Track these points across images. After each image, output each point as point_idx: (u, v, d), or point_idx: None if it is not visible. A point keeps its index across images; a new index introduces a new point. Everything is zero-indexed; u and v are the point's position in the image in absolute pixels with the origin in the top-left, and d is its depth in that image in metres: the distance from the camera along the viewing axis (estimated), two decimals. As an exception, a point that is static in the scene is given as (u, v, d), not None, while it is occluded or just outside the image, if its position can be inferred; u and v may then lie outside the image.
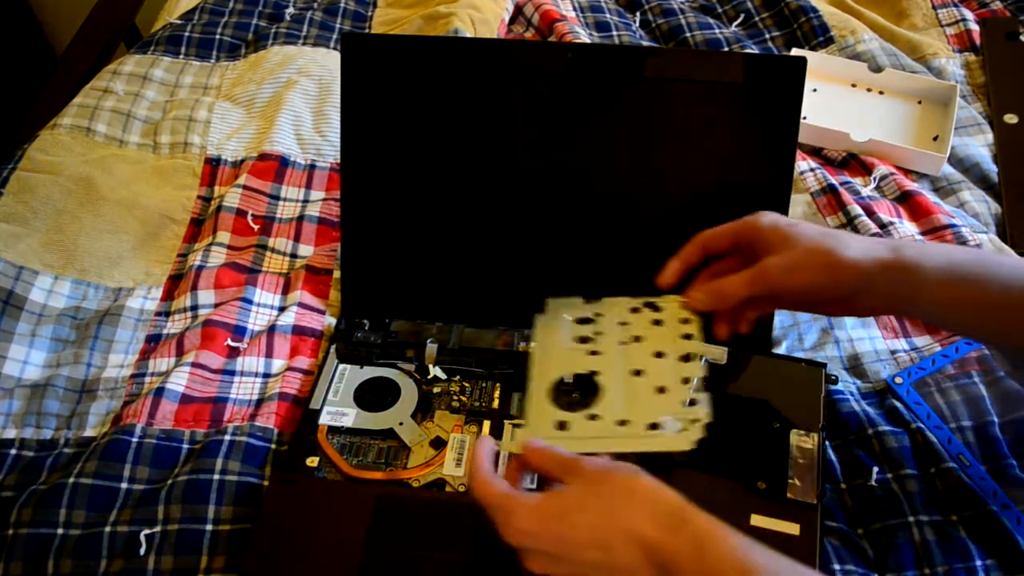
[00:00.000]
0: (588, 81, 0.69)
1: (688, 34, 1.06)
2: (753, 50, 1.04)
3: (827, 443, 0.65)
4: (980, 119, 0.94)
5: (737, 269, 0.58)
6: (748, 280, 0.56)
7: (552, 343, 0.62)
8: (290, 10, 1.13)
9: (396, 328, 0.74)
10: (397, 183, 0.72)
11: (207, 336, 0.73)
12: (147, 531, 0.59)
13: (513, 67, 0.69)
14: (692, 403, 0.55)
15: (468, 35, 1.02)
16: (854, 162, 0.91)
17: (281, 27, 1.08)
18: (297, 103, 0.96)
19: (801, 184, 0.88)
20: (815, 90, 0.98)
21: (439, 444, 0.66)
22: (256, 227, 0.84)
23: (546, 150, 0.71)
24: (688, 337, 0.59)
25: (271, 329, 0.74)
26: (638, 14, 1.12)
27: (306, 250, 0.82)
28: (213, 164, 0.91)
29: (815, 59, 0.98)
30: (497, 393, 0.68)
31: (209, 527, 0.60)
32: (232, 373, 0.71)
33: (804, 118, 0.90)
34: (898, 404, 0.68)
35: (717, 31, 1.06)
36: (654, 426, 0.55)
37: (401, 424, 0.67)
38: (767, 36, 1.08)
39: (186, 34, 1.07)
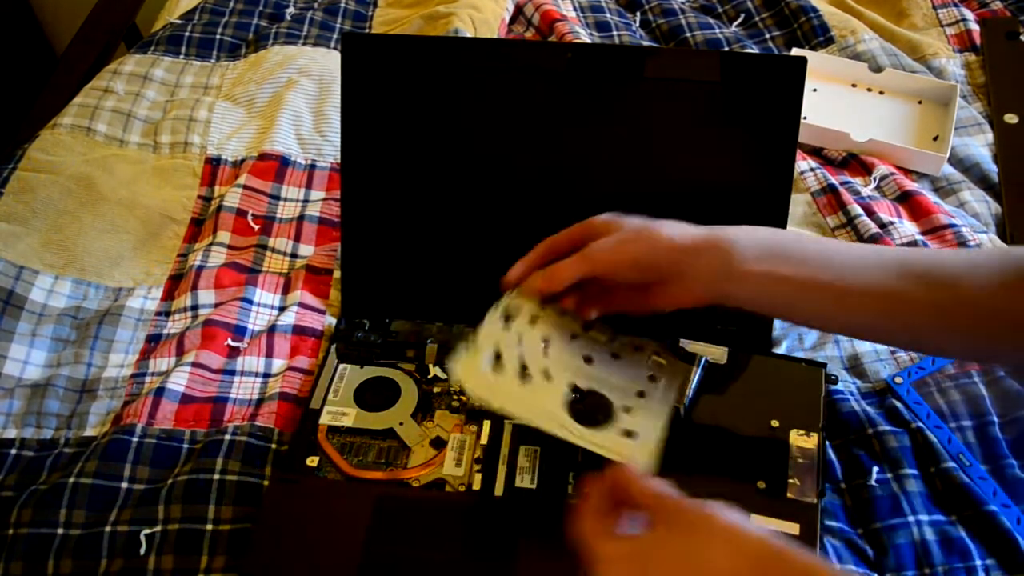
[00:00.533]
0: (588, 81, 0.69)
1: (688, 34, 1.06)
2: (753, 50, 1.04)
3: (827, 443, 0.65)
4: (980, 119, 0.94)
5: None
6: (576, 259, 0.58)
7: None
8: (290, 10, 1.13)
9: (396, 328, 0.74)
10: (397, 183, 0.72)
11: (207, 336, 0.73)
12: (147, 531, 0.59)
13: (513, 67, 0.69)
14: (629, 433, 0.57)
15: (468, 35, 1.02)
16: (854, 162, 0.91)
17: (281, 27, 1.08)
18: (297, 103, 0.96)
19: (801, 184, 0.88)
20: (815, 90, 0.98)
21: (439, 444, 0.66)
22: (256, 227, 0.84)
23: (546, 150, 0.71)
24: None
25: (271, 329, 0.74)
26: (638, 14, 1.12)
27: (306, 250, 0.82)
28: (213, 164, 0.91)
29: (815, 59, 0.98)
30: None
31: (209, 527, 0.60)
32: (232, 373, 0.71)
33: (804, 118, 0.90)
34: (898, 404, 0.68)
35: (717, 31, 1.06)
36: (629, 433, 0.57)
37: (401, 424, 0.67)
38: (767, 36, 1.08)
39: (186, 34, 1.07)
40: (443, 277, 0.74)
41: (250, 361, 0.72)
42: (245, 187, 0.86)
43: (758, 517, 0.58)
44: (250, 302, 0.76)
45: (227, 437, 0.65)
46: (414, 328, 0.73)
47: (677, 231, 0.57)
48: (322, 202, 0.86)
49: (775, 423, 0.63)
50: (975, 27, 1.05)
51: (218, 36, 1.07)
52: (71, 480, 0.62)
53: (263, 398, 0.70)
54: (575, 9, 1.13)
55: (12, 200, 0.85)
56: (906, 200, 0.85)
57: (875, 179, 0.87)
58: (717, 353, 0.68)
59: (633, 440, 0.56)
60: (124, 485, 0.63)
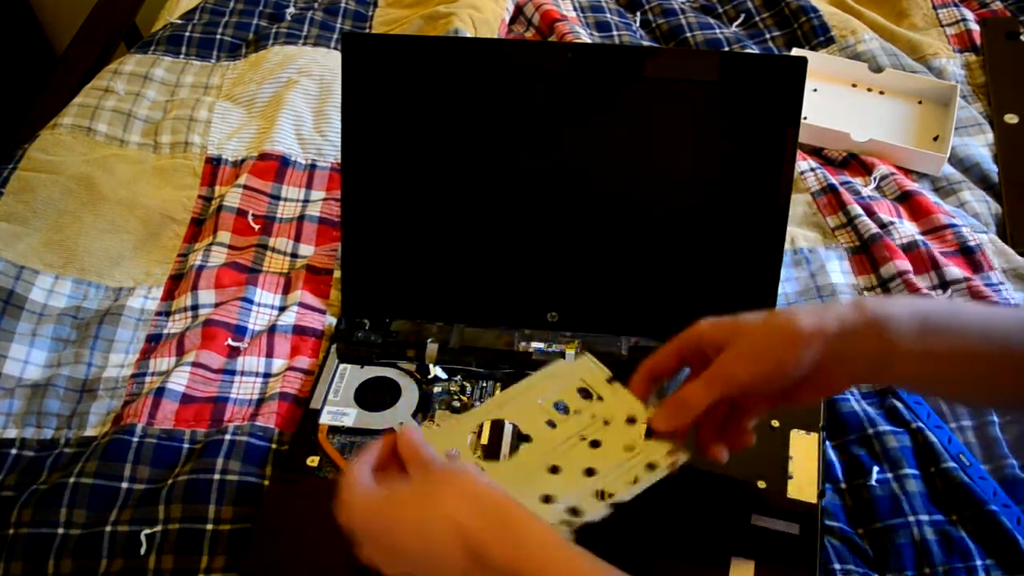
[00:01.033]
0: (588, 81, 0.69)
1: (688, 34, 1.06)
2: (753, 50, 1.04)
3: (827, 443, 0.65)
4: (980, 119, 0.94)
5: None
6: (707, 381, 0.51)
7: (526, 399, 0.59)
8: (291, 10, 1.13)
9: (396, 328, 0.74)
10: (397, 183, 0.72)
11: (207, 336, 0.73)
12: (147, 531, 0.59)
13: (513, 67, 0.69)
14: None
15: (468, 35, 1.02)
16: (854, 162, 0.91)
17: (282, 27, 1.08)
18: (298, 103, 0.96)
19: (801, 184, 0.88)
20: (815, 90, 0.98)
21: (439, 444, 0.65)
22: (257, 227, 0.84)
23: (546, 150, 0.71)
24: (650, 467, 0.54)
25: (271, 329, 0.74)
26: (638, 14, 1.12)
27: (307, 250, 0.82)
28: (214, 164, 0.91)
29: (815, 59, 0.98)
30: (497, 393, 0.68)
31: (209, 527, 0.60)
32: (232, 373, 0.71)
33: (804, 118, 0.90)
34: (898, 404, 0.68)
35: (717, 31, 1.06)
36: (590, 472, 0.53)
37: (401, 424, 0.67)
38: (767, 36, 1.08)
39: (186, 34, 1.07)
40: (443, 277, 0.74)
41: (250, 361, 0.72)
42: (245, 187, 0.86)
43: (758, 517, 0.58)
44: (250, 302, 0.76)
45: (227, 437, 0.65)
46: (414, 328, 0.73)
47: (816, 317, 0.49)
48: (322, 202, 0.86)
49: (775, 423, 0.63)
50: (975, 27, 1.05)
51: (218, 36, 1.07)
52: (71, 480, 0.62)
53: (263, 398, 0.70)
54: (575, 9, 1.13)
55: (12, 200, 0.85)
56: (906, 200, 0.85)
57: (875, 179, 0.87)
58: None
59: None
60: (124, 485, 0.63)
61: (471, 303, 0.74)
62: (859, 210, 0.83)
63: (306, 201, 0.87)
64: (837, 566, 0.58)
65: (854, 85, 0.98)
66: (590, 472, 0.53)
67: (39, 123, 0.95)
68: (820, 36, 1.04)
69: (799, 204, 0.86)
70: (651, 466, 0.53)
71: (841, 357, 0.49)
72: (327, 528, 0.59)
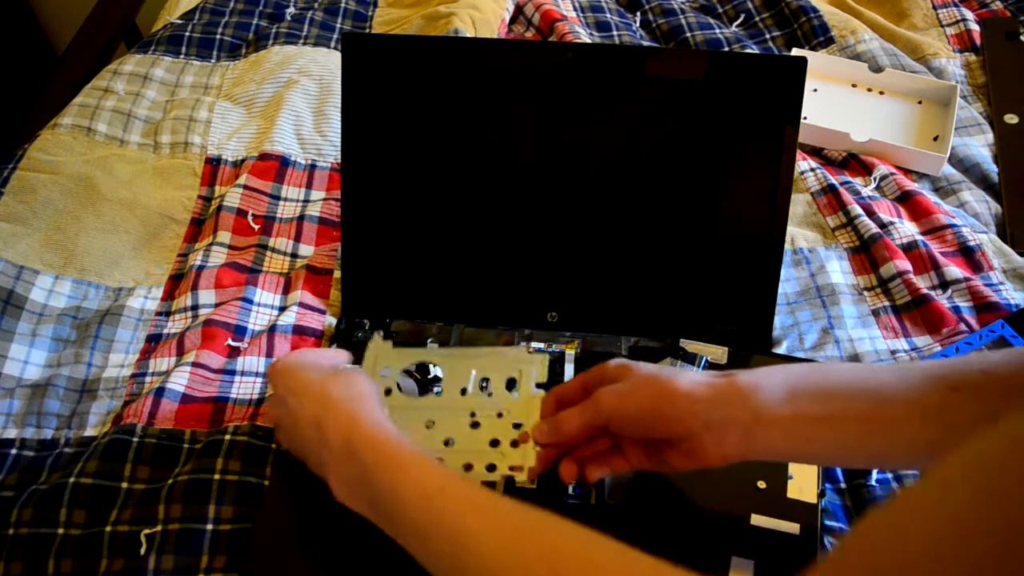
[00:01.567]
0: (588, 81, 0.69)
1: (688, 34, 1.06)
2: (753, 50, 1.04)
3: (827, 443, 0.65)
4: (980, 119, 0.94)
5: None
6: (581, 408, 0.54)
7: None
8: (291, 10, 1.13)
9: (396, 328, 0.74)
10: (397, 183, 0.72)
11: (208, 336, 0.73)
12: (147, 531, 0.59)
13: (513, 67, 0.69)
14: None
15: (468, 35, 1.02)
16: (854, 162, 0.91)
17: (282, 27, 1.08)
18: (298, 103, 0.96)
19: (801, 184, 0.88)
20: (815, 90, 0.98)
21: (439, 444, 0.66)
22: (257, 227, 0.84)
23: (546, 150, 0.71)
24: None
25: (272, 329, 0.74)
26: (638, 14, 1.12)
27: (307, 250, 0.82)
28: (214, 164, 0.91)
29: (815, 59, 0.98)
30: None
31: (209, 527, 0.60)
32: (233, 373, 0.71)
33: (804, 118, 0.90)
34: (898, 404, 0.68)
35: (717, 31, 1.06)
36: (448, 442, 0.60)
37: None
38: (767, 36, 1.08)
39: (186, 34, 1.07)
40: (443, 277, 0.74)
41: (250, 361, 0.72)
42: (245, 187, 0.86)
43: (758, 517, 0.58)
44: (250, 302, 0.76)
45: (227, 437, 0.65)
46: (414, 328, 0.73)
47: (690, 380, 0.52)
48: (322, 202, 0.86)
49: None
50: (975, 27, 1.05)
51: (218, 36, 1.07)
52: (71, 480, 0.62)
53: (263, 398, 0.69)
54: (575, 9, 1.13)
55: (12, 200, 0.85)
56: (906, 200, 0.85)
57: (875, 179, 0.87)
58: (717, 353, 0.68)
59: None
60: (124, 485, 0.63)
61: (471, 303, 0.74)
62: (859, 210, 0.83)
63: (306, 201, 0.87)
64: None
65: (854, 85, 0.98)
66: (448, 443, 0.60)
67: (39, 123, 0.95)
68: (820, 36, 1.04)
69: (799, 204, 0.86)
70: (491, 467, 0.58)
71: (709, 425, 0.50)
72: (327, 528, 0.59)
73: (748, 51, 1.03)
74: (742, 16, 1.10)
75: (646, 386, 0.52)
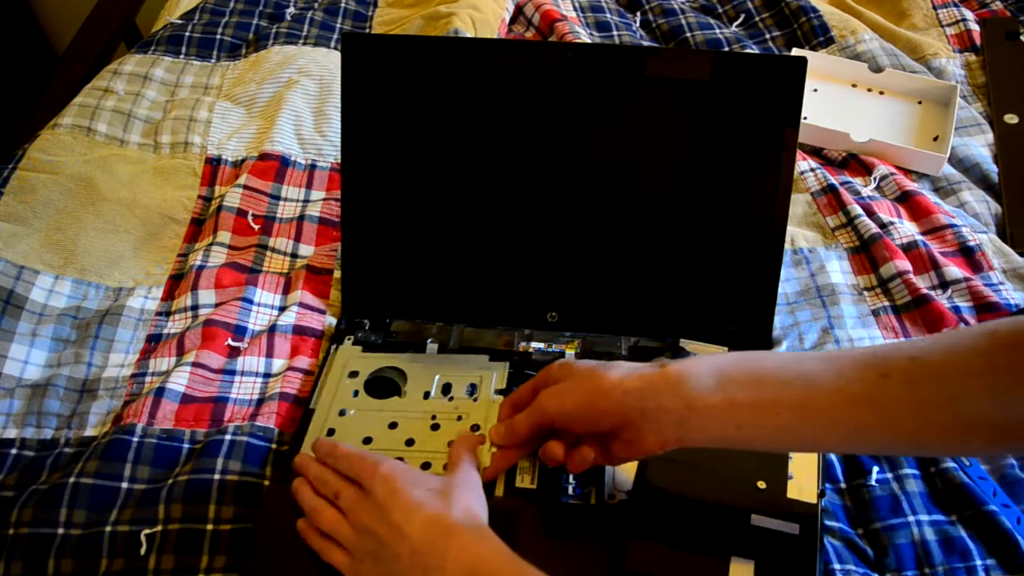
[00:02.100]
0: (588, 81, 0.69)
1: (688, 34, 1.06)
2: (753, 50, 1.04)
3: (827, 443, 0.65)
4: (980, 119, 0.94)
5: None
6: (528, 411, 0.57)
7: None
8: (291, 10, 1.13)
9: (396, 328, 0.74)
10: (397, 183, 0.72)
11: (208, 336, 0.73)
12: (147, 531, 0.59)
13: (513, 67, 0.69)
14: None
15: (468, 35, 1.02)
16: (854, 162, 0.91)
17: (282, 27, 1.08)
18: (298, 103, 0.96)
19: (801, 184, 0.88)
20: (815, 90, 0.98)
21: (439, 444, 0.66)
22: (257, 227, 0.84)
23: (546, 150, 0.71)
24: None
25: (272, 329, 0.74)
26: (638, 14, 1.12)
27: (307, 250, 0.82)
28: (214, 164, 0.91)
29: (815, 59, 0.98)
30: (507, 385, 0.68)
31: (209, 527, 0.60)
32: (233, 373, 0.71)
33: (804, 118, 0.90)
34: (898, 404, 0.68)
35: (717, 31, 1.06)
36: (410, 442, 0.64)
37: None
38: (767, 36, 1.08)
39: (187, 34, 1.07)
40: (443, 277, 0.74)
41: (250, 361, 0.72)
42: (245, 187, 0.86)
43: (758, 517, 0.58)
44: (250, 302, 0.76)
45: (227, 437, 0.65)
46: (414, 328, 0.73)
47: (622, 372, 0.53)
48: (322, 202, 0.86)
49: (775, 423, 0.63)
50: (975, 27, 1.05)
51: (218, 36, 1.07)
52: (71, 480, 0.62)
53: (263, 398, 0.69)
54: (575, 9, 1.13)
55: (12, 200, 0.85)
56: (906, 200, 0.85)
57: (875, 179, 0.87)
58: (717, 353, 0.68)
59: None
60: (124, 485, 0.63)
61: (471, 303, 0.74)
62: (859, 210, 0.83)
63: (306, 201, 0.87)
64: (837, 566, 0.58)
65: (854, 85, 0.98)
66: (410, 443, 0.64)
67: (39, 123, 0.95)
68: (820, 36, 1.04)
69: (799, 204, 0.86)
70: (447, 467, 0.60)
71: (643, 414, 0.52)
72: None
73: (748, 51, 1.03)
74: (742, 16, 1.10)
75: (582, 383, 0.54)
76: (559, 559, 0.56)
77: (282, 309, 0.77)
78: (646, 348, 0.71)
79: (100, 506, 0.61)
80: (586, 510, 0.61)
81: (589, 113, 0.69)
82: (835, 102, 0.97)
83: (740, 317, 0.71)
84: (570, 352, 0.70)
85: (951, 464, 0.63)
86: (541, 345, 0.71)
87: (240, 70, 1.03)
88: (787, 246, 0.81)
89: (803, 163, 0.89)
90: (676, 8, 1.10)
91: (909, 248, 0.79)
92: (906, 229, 0.81)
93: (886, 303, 0.77)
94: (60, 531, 0.60)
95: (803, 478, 0.60)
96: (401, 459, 0.59)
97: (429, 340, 0.72)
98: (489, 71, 0.69)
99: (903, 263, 0.78)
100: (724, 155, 0.69)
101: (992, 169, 0.89)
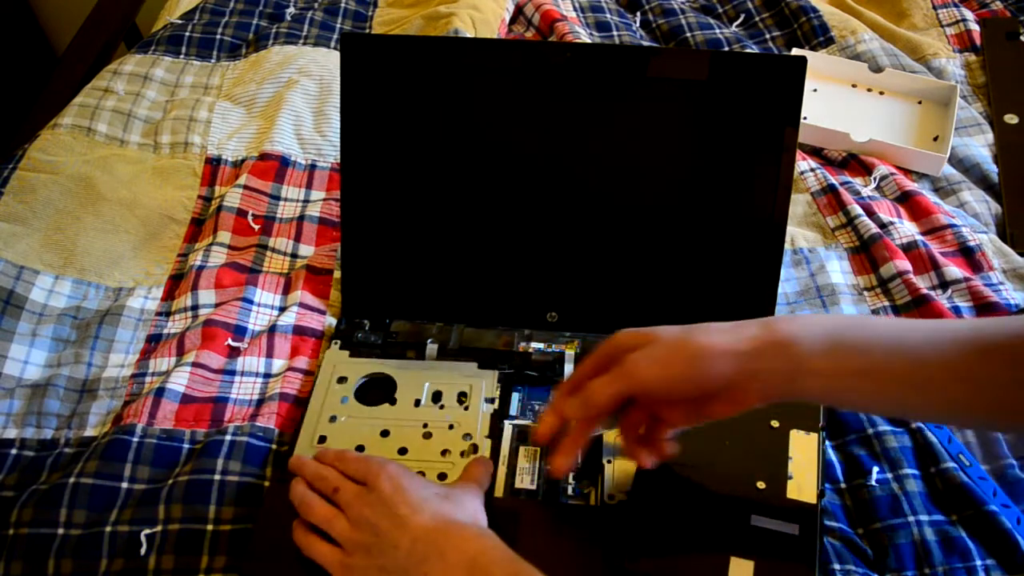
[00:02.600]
0: (588, 81, 0.69)
1: (688, 34, 1.06)
2: (753, 50, 1.04)
3: (827, 443, 0.65)
4: (980, 119, 0.94)
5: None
6: (611, 377, 0.53)
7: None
8: (291, 10, 1.13)
9: (396, 328, 0.74)
10: (397, 183, 0.72)
11: (208, 336, 0.73)
12: (147, 531, 0.59)
13: (513, 67, 0.69)
14: None
15: (468, 35, 1.02)
16: (854, 162, 0.91)
17: (282, 27, 1.08)
18: (298, 103, 0.96)
19: (801, 184, 0.88)
20: (815, 90, 0.98)
21: (439, 444, 0.66)
22: (257, 227, 0.84)
23: (546, 150, 0.71)
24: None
25: (272, 329, 0.74)
26: (638, 14, 1.12)
27: (307, 250, 0.82)
28: (214, 164, 0.91)
29: (815, 59, 0.98)
30: (497, 393, 0.68)
31: (210, 527, 0.60)
32: (233, 373, 0.71)
33: (804, 118, 0.90)
34: (898, 404, 0.68)
35: (717, 31, 1.06)
36: (403, 451, 0.64)
37: (401, 424, 0.67)
38: (767, 36, 1.08)
39: (186, 34, 1.07)
40: (442, 277, 0.74)
41: (250, 361, 0.72)
42: (245, 187, 0.86)
43: (758, 517, 0.58)
44: (250, 302, 0.76)
45: (227, 437, 0.65)
46: (414, 328, 0.73)
47: (724, 337, 0.52)
48: (322, 202, 0.86)
49: (775, 423, 0.63)
50: (975, 27, 1.05)
51: (218, 36, 1.07)
52: (71, 480, 0.62)
53: (263, 398, 0.69)
54: (575, 9, 1.13)
55: (12, 200, 0.85)
56: (906, 200, 0.85)
57: (875, 179, 0.87)
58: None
59: None
60: (124, 485, 0.63)
61: (471, 303, 0.74)
62: (859, 210, 0.83)
63: (306, 201, 0.87)
64: (837, 566, 0.58)
65: (854, 85, 0.98)
66: (403, 451, 0.64)
67: (39, 123, 0.95)
68: (820, 36, 1.04)
69: (799, 204, 0.86)
70: (442, 476, 0.62)
71: (753, 375, 0.51)
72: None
73: (748, 51, 1.03)
74: (742, 16, 1.10)
75: (682, 348, 0.52)
76: (559, 559, 0.56)
77: (282, 309, 0.77)
78: (646, 348, 0.71)
79: (100, 506, 0.61)
80: (586, 510, 0.61)
81: (589, 113, 0.69)
82: (835, 102, 0.97)
83: (740, 317, 0.71)
84: (570, 352, 0.70)
85: (951, 464, 0.63)
86: (541, 345, 0.71)
87: (240, 70, 1.03)
88: (787, 246, 0.81)
89: (803, 163, 0.89)
90: (676, 8, 1.10)
91: (909, 248, 0.79)
92: (906, 229, 0.81)
93: (886, 303, 0.77)
94: (60, 531, 0.60)
95: (803, 478, 0.60)
96: None
97: (429, 340, 0.72)
98: (489, 71, 0.69)
99: (903, 263, 0.78)
100: (724, 155, 0.69)
101: (992, 169, 0.89)
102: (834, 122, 0.92)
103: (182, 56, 1.04)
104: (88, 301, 0.78)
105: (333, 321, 0.76)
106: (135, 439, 0.65)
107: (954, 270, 0.77)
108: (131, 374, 0.72)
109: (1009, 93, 0.97)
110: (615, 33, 1.09)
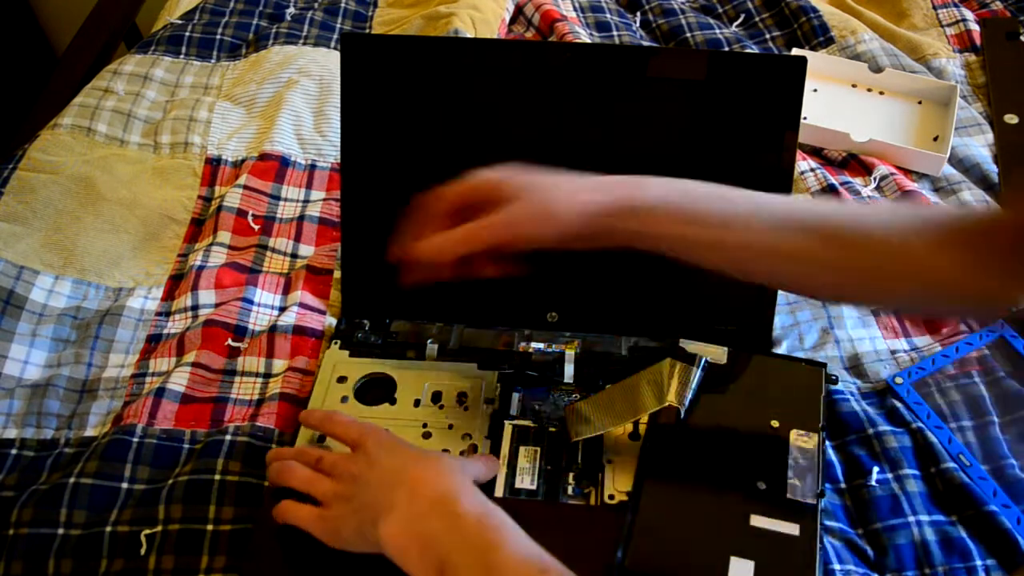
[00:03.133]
0: (588, 81, 0.69)
1: (688, 34, 1.06)
2: (753, 50, 1.04)
3: (827, 443, 0.65)
4: (980, 119, 0.94)
5: None
6: (463, 236, 0.55)
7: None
8: (291, 10, 1.13)
9: (396, 328, 0.74)
10: (397, 183, 0.72)
11: (208, 336, 0.73)
12: (147, 531, 0.59)
13: (513, 67, 0.69)
14: None
15: (468, 35, 1.02)
16: (854, 162, 0.91)
17: (282, 27, 1.08)
18: (297, 103, 0.96)
19: (801, 184, 0.88)
20: (815, 90, 0.98)
21: (439, 444, 0.66)
22: (256, 227, 0.84)
23: (546, 150, 0.70)
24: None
25: (272, 329, 0.74)
26: (638, 14, 1.12)
27: (306, 250, 0.82)
28: (214, 164, 0.91)
29: (815, 59, 0.98)
30: (497, 393, 0.68)
31: (209, 527, 0.60)
32: (233, 373, 0.71)
33: (804, 118, 0.90)
34: (898, 404, 0.68)
35: (717, 31, 1.06)
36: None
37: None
38: (767, 36, 1.08)
39: (186, 34, 1.07)
40: (443, 277, 0.73)
41: (250, 361, 0.72)
42: (245, 187, 0.86)
43: (758, 517, 0.58)
44: (250, 302, 0.76)
45: (227, 437, 0.65)
46: (414, 328, 0.73)
47: (573, 204, 0.55)
48: (322, 202, 0.86)
49: (775, 423, 0.63)
50: (975, 27, 1.05)
51: (218, 36, 1.07)
52: (71, 480, 0.62)
53: (263, 398, 0.70)
54: (575, 9, 1.13)
55: (12, 200, 0.85)
56: (906, 200, 0.85)
57: (875, 179, 0.87)
58: (717, 353, 0.68)
59: None
60: (124, 485, 0.63)
61: (471, 303, 0.74)
62: (859, 210, 0.83)
63: (306, 201, 0.87)
64: (837, 566, 0.58)
65: (854, 85, 0.98)
66: None
67: (39, 123, 0.95)
68: (820, 36, 1.04)
69: (799, 204, 0.86)
70: None
71: (608, 231, 0.56)
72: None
73: (748, 51, 1.03)
74: (742, 16, 1.10)
75: (533, 210, 0.55)
76: (559, 559, 0.56)
77: (282, 309, 0.77)
78: (646, 348, 0.71)
79: (100, 506, 0.61)
80: (586, 510, 0.61)
81: (590, 113, 0.69)
82: (835, 102, 0.97)
83: (740, 317, 0.72)
84: (570, 352, 0.70)
85: (951, 464, 0.63)
86: (541, 345, 0.71)
87: (240, 70, 1.03)
88: (787, 246, 0.80)
89: (803, 163, 0.89)
90: (676, 8, 1.10)
91: (909, 248, 0.79)
92: (906, 229, 0.81)
93: (886, 303, 0.77)
94: (60, 531, 0.60)
95: (803, 478, 0.60)
96: None
97: (429, 340, 0.72)
98: (489, 71, 0.69)
99: (903, 263, 0.77)
100: (724, 155, 0.69)
101: (992, 169, 0.89)
102: (834, 122, 0.92)
103: (182, 56, 1.04)
104: (88, 301, 0.78)
105: (333, 321, 0.76)
106: (135, 439, 0.65)
107: (954, 270, 0.77)
108: (131, 374, 0.72)
109: (1009, 93, 0.97)
110: (615, 33, 1.09)
